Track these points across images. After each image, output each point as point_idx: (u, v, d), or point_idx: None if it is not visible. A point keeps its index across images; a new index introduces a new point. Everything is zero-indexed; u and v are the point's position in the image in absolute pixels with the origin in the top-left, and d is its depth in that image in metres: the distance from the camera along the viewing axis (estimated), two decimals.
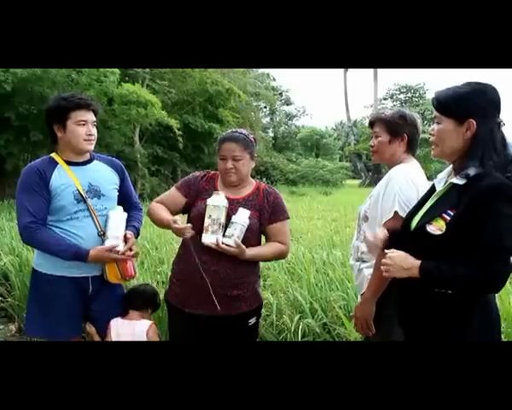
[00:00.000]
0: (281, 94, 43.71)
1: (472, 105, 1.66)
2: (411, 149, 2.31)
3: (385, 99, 43.94)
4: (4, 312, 4.70)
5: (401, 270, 1.69)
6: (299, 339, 3.22)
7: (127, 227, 2.57)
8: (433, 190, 1.86)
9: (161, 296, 2.92)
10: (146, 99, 14.32)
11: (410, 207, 2.00)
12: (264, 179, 27.57)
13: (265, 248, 2.39)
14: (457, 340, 1.67)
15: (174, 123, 15.86)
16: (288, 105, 45.76)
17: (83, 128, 2.38)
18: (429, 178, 2.00)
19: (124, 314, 2.65)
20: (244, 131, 2.42)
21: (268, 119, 42.70)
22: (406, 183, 2.12)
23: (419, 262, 1.65)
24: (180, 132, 16.35)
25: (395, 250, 1.73)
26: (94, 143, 2.45)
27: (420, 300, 1.75)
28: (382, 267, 1.74)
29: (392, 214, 2.10)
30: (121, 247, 2.40)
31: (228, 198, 2.30)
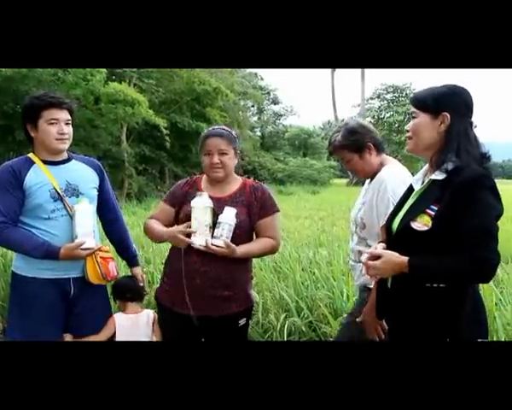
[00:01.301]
0: (268, 93, 43.64)
1: (447, 101, 1.74)
2: (381, 149, 2.34)
3: (372, 98, 44.04)
4: None
5: (391, 272, 1.73)
6: (285, 338, 3.24)
7: (130, 257, 2.78)
8: (410, 190, 1.91)
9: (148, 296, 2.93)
10: (133, 98, 14.23)
11: None
12: (252, 178, 27.50)
13: (255, 245, 2.37)
14: (447, 334, 1.70)
15: (161, 122, 15.79)
16: (275, 104, 45.66)
17: (54, 127, 2.33)
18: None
19: (110, 313, 2.68)
20: (227, 127, 2.45)
21: (255, 118, 42.60)
22: (398, 185, 2.14)
23: (406, 259, 1.67)
24: (167, 132, 16.29)
25: (381, 251, 1.76)
26: (68, 142, 2.40)
27: (409, 295, 1.77)
28: (370, 271, 1.77)
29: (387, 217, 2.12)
30: (92, 243, 2.36)
31: (214, 197, 2.30)
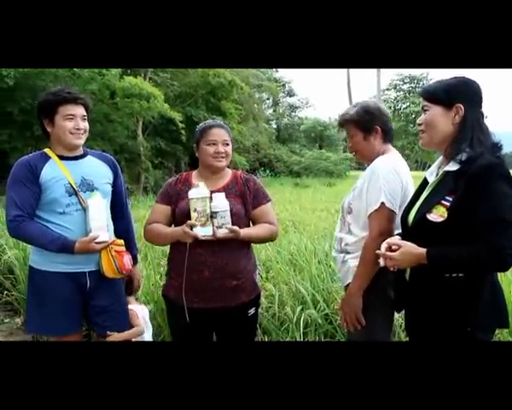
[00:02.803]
0: (283, 85, 43.52)
1: (460, 92, 1.76)
2: (388, 138, 2.29)
3: (388, 89, 43.76)
4: (10, 305, 4.74)
5: (409, 263, 1.74)
6: (301, 330, 3.24)
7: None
8: (425, 183, 1.91)
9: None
10: (148, 92, 14.33)
11: (396, 198, 2.07)
12: (268, 171, 27.54)
13: (256, 228, 2.41)
14: (467, 323, 1.71)
15: (177, 116, 15.87)
16: (290, 96, 45.52)
17: (70, 123, 2.37)
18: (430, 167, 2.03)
19: (126, 305, 2.72)
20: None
21: (271, 110, 42.54)
22: (391, 174, 2.11)
23: (425, 250, 1.68)
24: (183, 125, 16.36)
25: (399, 242, 1.77)
26: (84, 137, 2.44)
27: (428, 286, 1.78)
28: (388, 262, 1.77)
29: (378, 205, 2.09)
30: (106, 236, 2.39)
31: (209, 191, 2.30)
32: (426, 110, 1.81)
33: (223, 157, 2.37)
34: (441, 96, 1.77)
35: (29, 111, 12.82)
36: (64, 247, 2.32)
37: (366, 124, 2.24)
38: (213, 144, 2.36)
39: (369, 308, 2.16)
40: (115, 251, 2.43)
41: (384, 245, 1.80)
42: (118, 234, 2.70)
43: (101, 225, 2.38)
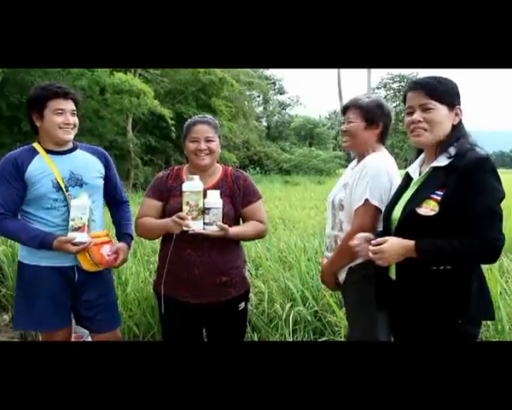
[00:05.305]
0: (274, 83, 43.55)
1: (457, 95, 1.81)
2: (383, 139, 2.34)
3: (378, 88, 43.85)
4: None
5: (397, 256, 1.75)
6: (291, 327, 3.26)
7: (120, 235, 2.66)
8: (407, 179, 1.93)
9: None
10: (138, 88, 14.24)
11: (383, 197, 2.10)
12: (258, 169, 27.52)
13: (245, 226, 2.41)
14: (458, 315, 1.73)
15: (167, 112, 15.80)
16: (281, 94, 45.59)
17: (59, 117, 2.36)
18: None
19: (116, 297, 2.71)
20: (210, 116, 2.51)
21: (261, 108, 42.52)
22: (380, 172, 2.15)
23: (413, 242, 1.70)
24: (173, 122, 16.28)
25: (385, 238, 1.78)
26: (73, 132, 2.43)
27: (418, 281, 1.79)
28: (376, 256, 1.78)
29: (362, 202, 2.13)
30: (84, 237, 2.31)
31: None
32: (430, 108, 1.77)
33: (206, 154, 2.34)
34: (446, 96, 1.78)
35: (17, 106, 12.71)
36: (43, 244, 2.31)
37: (373, 116, 2.27)
38: (196, 141, 2.34)
39: (365, 304, 2.18)
40: (94, 244, 2.37)
41: (372, 243, 1.81)
42: (113, 222, 2.73)
43: (79, 225, 2.31)
